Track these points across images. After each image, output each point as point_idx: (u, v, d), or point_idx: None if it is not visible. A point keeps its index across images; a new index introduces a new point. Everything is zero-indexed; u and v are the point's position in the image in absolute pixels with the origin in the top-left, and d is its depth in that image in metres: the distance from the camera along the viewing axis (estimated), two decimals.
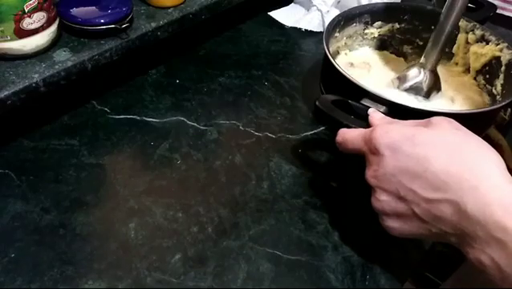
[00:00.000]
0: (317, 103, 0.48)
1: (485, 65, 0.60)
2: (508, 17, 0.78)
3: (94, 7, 0.56)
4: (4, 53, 0.50)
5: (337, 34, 0.60)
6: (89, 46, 0.55)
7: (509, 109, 0.59)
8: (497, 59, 0.58)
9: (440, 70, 0.60)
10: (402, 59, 0.67)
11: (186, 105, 0.61)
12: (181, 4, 0.63)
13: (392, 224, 0.39)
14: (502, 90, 0.56)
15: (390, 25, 0.64)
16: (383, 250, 0.46)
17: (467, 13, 0.62)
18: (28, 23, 0.49)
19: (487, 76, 0.60)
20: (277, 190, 0.51)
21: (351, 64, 0.63)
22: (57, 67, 0.51)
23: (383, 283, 0.44)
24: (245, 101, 0.63)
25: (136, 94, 0.62)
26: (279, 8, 0.81)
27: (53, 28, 0.53)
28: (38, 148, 0.53)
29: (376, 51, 0.67)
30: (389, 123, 0.42)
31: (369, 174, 0.40)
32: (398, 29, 0.64)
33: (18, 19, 0.48)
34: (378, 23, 0.64)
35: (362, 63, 0.64)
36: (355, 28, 0.63)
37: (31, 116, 0.56)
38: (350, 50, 0.65)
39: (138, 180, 0.51)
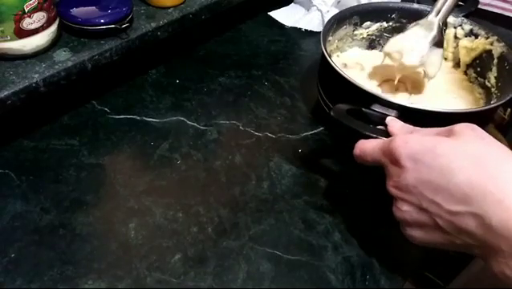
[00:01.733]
0: (332, 113, 0.48)
1: (475, 58, 0.61)
2: (508, 17, 0.78)
3: (94, 7, 0.56)
4: (4, 53, 0.50)
5: (330, 38, 0.61)
6: (89, 46, 0.55)
7: (509, 109, 0.59)
8: (488, 52, 0.58)
9: None
10: None
11: (186, 105, 0.61)
12: (181, 4, 0.63)
13: (414, 233, 0.39)
14: (497, 82, 0.57)
15: (378, 24, 0.65)
16: (383, 250, 0.46)
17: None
18: (28, 23, 0.49)
19: (478, 69, 0.60)
20: (277, 190, 0.51)
21: (345, 65, 0.63)
22: (57, 67, 0.51)
23: (383, 283, 0.44)
24: (245, 101, 0.63)
25: (136, 94, 0.62)
26: (279, 8, 0.81)
27: (53, 28, 0.53)
28: (38, 148, 0.53)
29: (366, 51, 0.67)
30: (409, 132, 0.42)
31: (390, 184, 0.39)
32: (386, 28, 0.65)
33: (18, 19, 0.48)
34: (366, 23, 0.64)
35: (355, 63, 0.64)
36: (345, 30, 0.63)
37: (31, 116, 0.56)
38: (341, 52, 0.66)
39: (138, 180, 0.51)
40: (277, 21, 0.79)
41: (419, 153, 0.37)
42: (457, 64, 0.63)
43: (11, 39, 0.49)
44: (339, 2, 0.76)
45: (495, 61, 0.57)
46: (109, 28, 0.55)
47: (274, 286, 0.43)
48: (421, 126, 0.42)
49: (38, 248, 0.44)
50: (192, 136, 0.57)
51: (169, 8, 0.62)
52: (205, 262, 0.44)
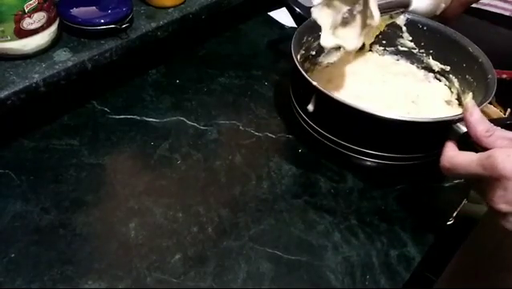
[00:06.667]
0: None
1: (377, 35, 0.64)
2: (508, 17, 0.78)
3: (94, 7, 0.56)
4: (4, 53, 0.50)
5: (303, 51, 0.60)
6: (89, 46, 0.55)
7: (509, 109, 0.59)
8: (390, 25, 0.62)
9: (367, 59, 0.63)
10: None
11: (186, 105, 0.61)
12: (181, 4, 0.63)
13: None
14: (420, 42, 0.62)
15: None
16: (383, 250, 0.46)
17: None
18: (28, 23, 0.49)
19: (384, 42, 0.64)
20: (277, 190, 0.51)
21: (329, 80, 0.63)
22: (57, 67, 0.51)
23: (383, 283, 0.44)
24: (245, 101, 0.63)
25: (136, 94, 0.62)
26: (279, 8, 0.81)
27: (53, 28, 0.53)
28: (38, 148, 0.53)
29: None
30: (507, 144, 0.41)
31: (496, 200, 0.39)
32: None
33: (19, 19, 0.48)
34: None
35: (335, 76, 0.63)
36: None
37: (31, 116, 0.56)
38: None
39: (138, 180, 0.51)
40: (277, 21, 0.79)
41: None
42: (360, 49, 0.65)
43: (11, 39, 0.49)
44: None
45: (404, 28, 0.61)
46: (109, 28, 0.55)
47: (274, 286, 0.43)
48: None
49: (38, 248, 0.44)
50: (192, 136, 0.57)
51: (169, 8, 0.62)
52: (205, 262, 0.44)
